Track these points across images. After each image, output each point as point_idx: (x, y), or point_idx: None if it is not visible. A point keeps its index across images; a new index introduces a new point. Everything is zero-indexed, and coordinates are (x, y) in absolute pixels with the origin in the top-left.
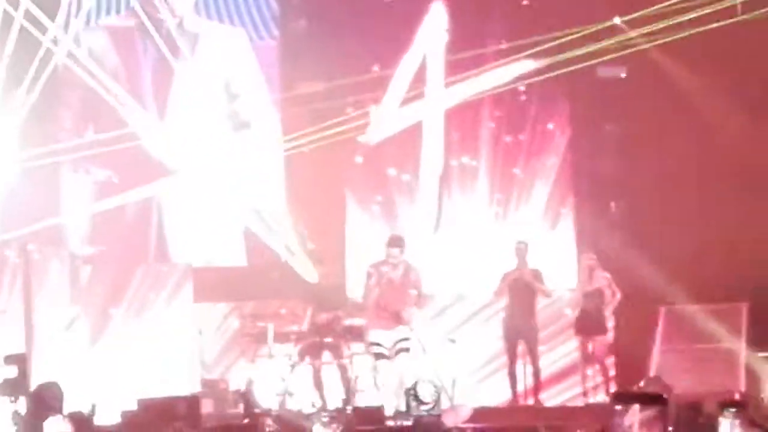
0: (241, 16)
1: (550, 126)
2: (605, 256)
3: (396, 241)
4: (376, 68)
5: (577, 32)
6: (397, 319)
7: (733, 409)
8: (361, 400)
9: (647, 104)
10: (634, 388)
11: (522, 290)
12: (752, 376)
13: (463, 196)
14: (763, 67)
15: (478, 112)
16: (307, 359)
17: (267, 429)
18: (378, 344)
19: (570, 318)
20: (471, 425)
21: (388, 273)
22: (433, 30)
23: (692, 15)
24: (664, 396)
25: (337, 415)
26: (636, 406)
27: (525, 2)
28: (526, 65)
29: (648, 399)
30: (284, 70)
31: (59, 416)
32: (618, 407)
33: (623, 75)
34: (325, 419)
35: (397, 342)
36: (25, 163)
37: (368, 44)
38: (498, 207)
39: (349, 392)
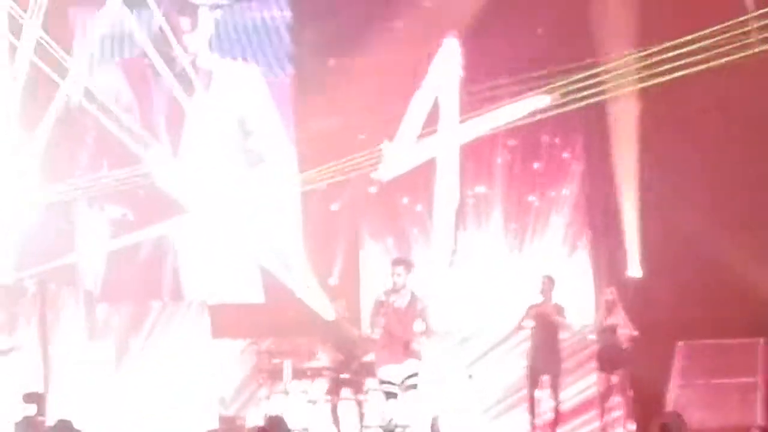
0: (255, 53)
1: (565, 155)
2: (622, 291)
3: (400, 260)
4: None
5: (591, 65)
6: (406, 350)
7: None
8: None
9: (661, 136)
10: (651, 425)
11: (547, 324)
12: None
13: (479, 229)
14: None
15: (492, 142)
16: (325, 396)
17: None
18: (388, 382)
19: (589, 352)
20: None
21: (394, 302)
22: (447, 65)
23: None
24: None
25: None
26: None
27: (539, 31)
28: (541, 100)
29: None
30: (298, 106)
31: None
32: None
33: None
34: None
35: (405, 378)
36: (41, 201)
37: (382, 79)
38: (514, 238)
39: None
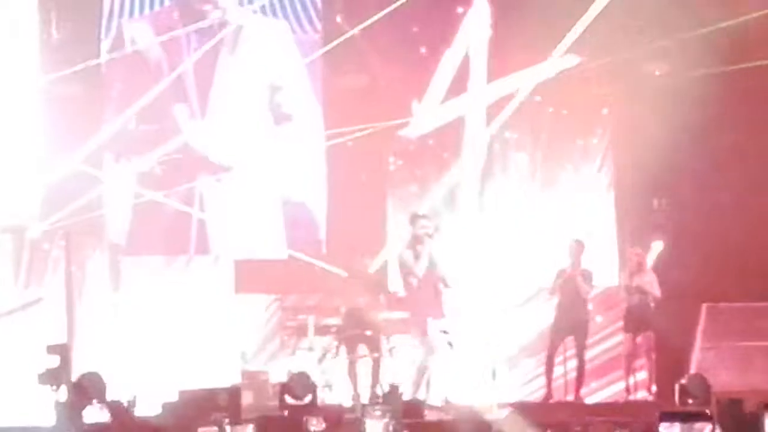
0: (285, 9)
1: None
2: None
3: (422, 215)
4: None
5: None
6: (439, 307)
7: None
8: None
9: (692, 99)
10: (676, 385)
11: (573, 288)
12: None
13: (506, 182)
14: None
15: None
16: (344, 352)
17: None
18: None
19: (615, 313)
20: None
21: (413, 267)
22: (477, 25)
23: None
24: (708, 413)
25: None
26: None
27: None
28: (569, 60)
29: (693, 417)
30: (327, 64)
31: (98, 405)
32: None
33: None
34: (378, 412)
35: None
36: (68, 154)
37: (411, 39)
38: (541, 188)
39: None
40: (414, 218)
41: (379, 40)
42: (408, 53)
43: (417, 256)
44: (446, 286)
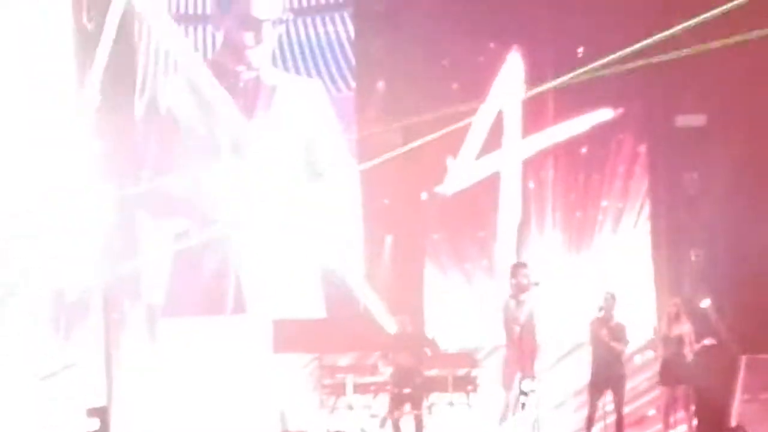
0: (318, 68)
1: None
2: (686, 304)
3: (523, 264)
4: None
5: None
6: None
7: None
8: None
9: (727, 152)
10: None
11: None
12: None
13: (542, 243)
14: None
15: (555, 157)
16: (388, 411)
17: None
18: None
19: (652, 367)
20: None
21: (518, 310)
22: (510, 81)
23: None
24: None
25: None
26: None
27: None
28: (603, 114)
29: None
30: (360, 122)
31: None
32: None
33: (702, 123)
34: None
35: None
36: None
37: (445, 96)
38: (576, 254)
39: None
40: (516, 268)
41: (413, 97)
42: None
43: (519, 305)
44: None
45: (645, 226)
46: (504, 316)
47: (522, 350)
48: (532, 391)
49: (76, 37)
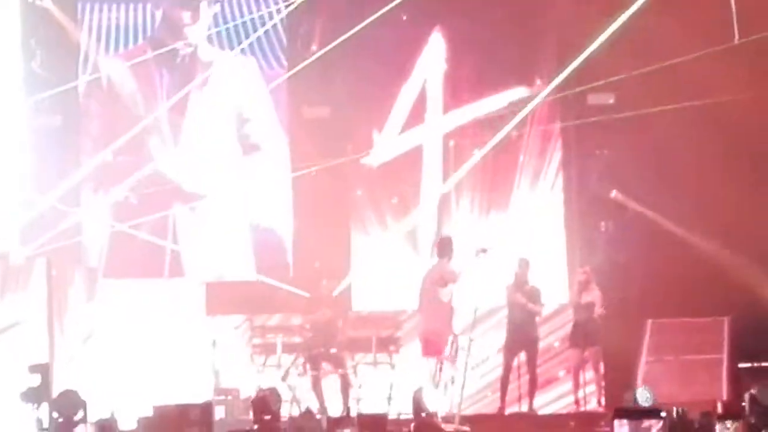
0: (252, 46)
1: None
2: (595, 272)
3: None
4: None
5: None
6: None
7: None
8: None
9: (634, 129)
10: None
11: (520, 305)
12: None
13: (462, 216)
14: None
15: (474, 134)
16: (309, 369)
17: None
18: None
19: (564, 331)
20: None
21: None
22: (433, 58)
23: None
24: (662, 412)
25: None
26: None
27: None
28: (519, 92)
29: (648, 414)
30: (292, 96)
31: (84, 424)
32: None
33: (611, 101)
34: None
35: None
36: (48, 184)
37: (371, 72)
38: (496, 224)
39: (349, 400)
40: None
41: (341, 74)
42: (368, 87)
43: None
44: None
45: (558, 198)
46: (424, 281)
47: (442, 313)
48: (455, 351)
49: (23, 14)
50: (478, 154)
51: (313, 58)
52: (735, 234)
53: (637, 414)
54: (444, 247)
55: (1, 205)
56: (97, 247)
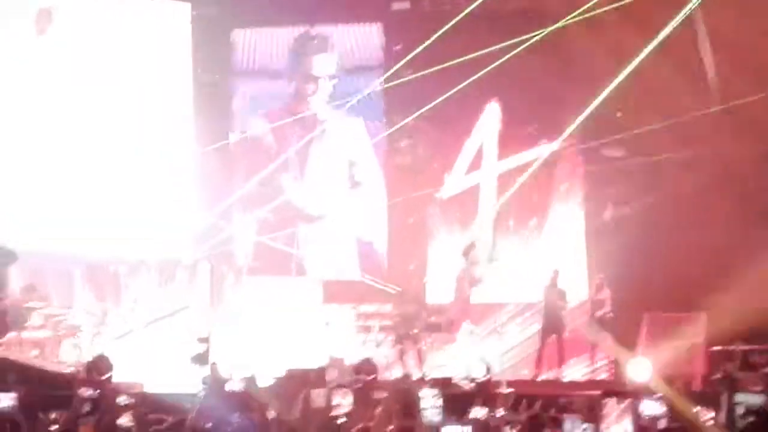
0: (358, 109)
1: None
2: (607, 278)
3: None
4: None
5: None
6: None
7: None
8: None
9: (639, 176)
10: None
11: (554, 302)
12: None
13: (510, 236)
14: None
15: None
16: (396, 344)
17: (374, 393)
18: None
19: (583, 320)
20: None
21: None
22: (490, 122)
23: None
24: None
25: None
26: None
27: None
28: (550, 147)
29: (622, 394)
30: (388, 147)
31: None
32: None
33: (620, 154)
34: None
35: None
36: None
37: (444, 132)
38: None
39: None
40: (468, 248)
41: (422, 133)
42: (441, 142)
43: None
44: None
45: (580, 227)
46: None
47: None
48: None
49: (195, 85)
50: (516, 186)
51: (404, 122)
52: (716, 250)
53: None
54: (468, 251)
55: (177, 221)
56: (244, 253)
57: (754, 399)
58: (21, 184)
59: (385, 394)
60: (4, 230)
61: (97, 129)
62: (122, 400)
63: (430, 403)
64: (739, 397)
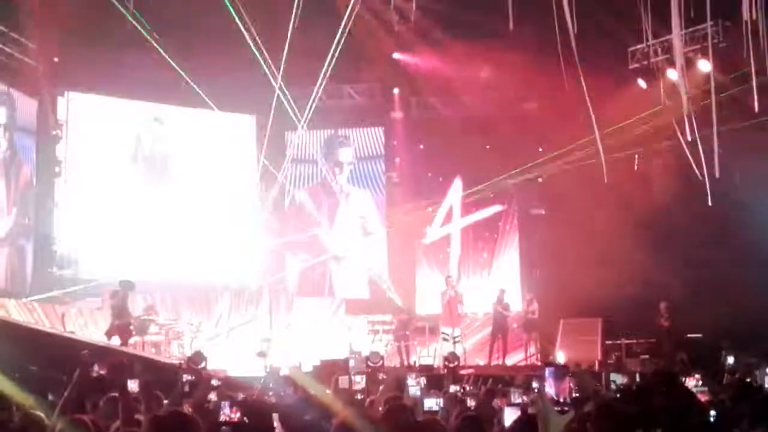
0: (369, 183)
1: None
2: (535, 294)
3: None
4: (430, 209)
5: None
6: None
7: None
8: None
9: (557, 229)
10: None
11: (501, 312)
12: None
13: (471, 268)
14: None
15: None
16: (394, 342)
17: (380, 375)
18: (446, 334)
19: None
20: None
21: (449, 292)
22: (456, 193)
23: None
24: (567, 366)
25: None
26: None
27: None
28: (495, 208)
29: (560, 367)
30: (388, 210)
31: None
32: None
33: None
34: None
35: (454, 336)
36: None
37: (424, 199)
38: (485, 269)
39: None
40: (448, 278)
41: (411, 201)
42: (423, 206)
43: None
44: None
45: (516, 261)
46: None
47: (450, 314)
48: (456, 335)
49: (261, 169)
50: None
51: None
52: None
53: (556, 366)
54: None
55: (248, 260)
56: (293, 280)
57: (621, 379)
58: (144, 240)
59: (385, 376)
60: (131, 268)
61: (198, 204)
62: (213, 382)
63: (416, 382)
64: (613, 377)
